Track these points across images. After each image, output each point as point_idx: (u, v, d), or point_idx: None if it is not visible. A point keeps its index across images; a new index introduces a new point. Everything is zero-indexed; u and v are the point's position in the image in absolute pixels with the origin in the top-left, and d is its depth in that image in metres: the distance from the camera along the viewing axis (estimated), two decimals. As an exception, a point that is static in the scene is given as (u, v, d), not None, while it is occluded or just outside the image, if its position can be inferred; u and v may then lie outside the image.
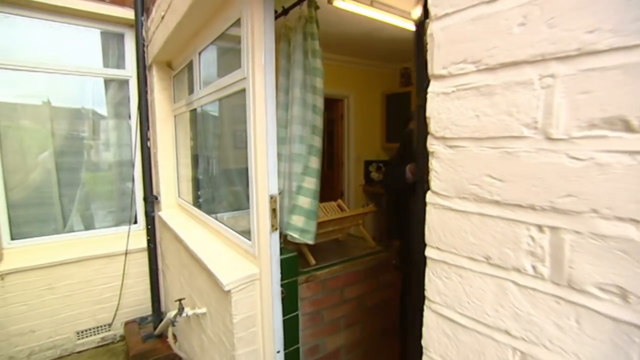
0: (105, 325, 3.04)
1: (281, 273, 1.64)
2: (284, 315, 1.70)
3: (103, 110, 3.21)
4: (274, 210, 1.58)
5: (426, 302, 0.63)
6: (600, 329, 0.42)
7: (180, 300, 2.09)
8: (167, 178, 2.98)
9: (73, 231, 3.07)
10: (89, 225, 3.18)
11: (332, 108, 4.87)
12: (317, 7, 1.67)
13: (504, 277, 0.50)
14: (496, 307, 0.52)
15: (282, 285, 1.65)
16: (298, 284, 1.78)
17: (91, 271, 2.93)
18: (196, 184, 2.89)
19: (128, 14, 2.91)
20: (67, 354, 2.86)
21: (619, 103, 0.38)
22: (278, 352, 1.68)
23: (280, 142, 1.86)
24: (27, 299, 2.65)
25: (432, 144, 0.58)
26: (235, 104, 2.06)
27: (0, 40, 2.62)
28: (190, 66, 2.43)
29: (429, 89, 0.58)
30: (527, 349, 0.49)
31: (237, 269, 1.63)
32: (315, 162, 1.81)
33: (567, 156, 0.42)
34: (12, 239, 2.73)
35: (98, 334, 3.02)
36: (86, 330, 2.95)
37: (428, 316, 0.63)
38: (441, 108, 0.56)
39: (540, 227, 0.46)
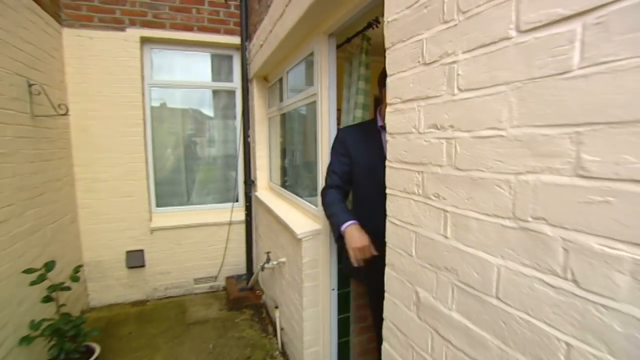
0: (212, 277, 4.03)
1: (337, 232, 2.28)
2: (338, 264, 2.34)
3: (214, 114, 4.22)
4: (332, 186, 2.23)
5: (387, 218, 1.22)
6: (432, 213, 0.98)
7: (268, 252, 2.87)
8: (262, 166, 3.84)
9: (193, 204, 4.12)
10: (203, 201, 4.20)
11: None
12: (369, 39, 2.27)
13: (409, 197, 1.09)
14: (408, 213, 1.10)
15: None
16: (350, 243, 2.40)
17: (204, 235, 3.93)
18: (283, 171, 3.68)
19: (236, 40, 3.82)
20: (188, 294, 3.91)
21: (435, 117, 0.95)
22: (333, 289, 2.33)
23: (341, 138, 2.50)
24: (165, 249, 3.74)
25: (387, 136, 1.18)
26: (310, 110, 2.76)
27: (156, 67, 3.73)
28: (280, 81, 3.20)
29: (387, 109, 1.17)
30: (416, 230, 1.06)
31: (307, 226, 2.32)
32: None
33: (424, 140, 1.00)
34: (157, 206, 3.84)
35: (207, 282, 4.01)
36: (200, 279, 3.97)
37: (388, 226, 1.22)
38: (390, 119, 1.15)
39: (418, 172, 1.03)
